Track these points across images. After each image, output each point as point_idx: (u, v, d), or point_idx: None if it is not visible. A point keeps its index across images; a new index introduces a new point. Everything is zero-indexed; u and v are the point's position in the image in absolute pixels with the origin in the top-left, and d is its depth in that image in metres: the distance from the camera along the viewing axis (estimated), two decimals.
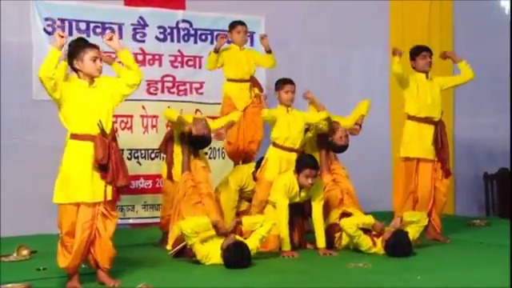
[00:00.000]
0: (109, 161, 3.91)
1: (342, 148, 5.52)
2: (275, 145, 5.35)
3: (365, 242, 4.92)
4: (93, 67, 3.96)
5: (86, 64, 3.95)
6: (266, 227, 4.75)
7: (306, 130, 5.69)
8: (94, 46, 4.03)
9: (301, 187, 5.02)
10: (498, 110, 6.16)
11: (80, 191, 3.88)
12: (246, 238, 4.79)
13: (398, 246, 4.81)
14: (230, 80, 5.99)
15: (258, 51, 6.29)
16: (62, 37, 3.83)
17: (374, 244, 4.94)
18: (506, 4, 6.40)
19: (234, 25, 6.02)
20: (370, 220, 4.99)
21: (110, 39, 4.05)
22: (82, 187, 3.88)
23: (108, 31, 4.20)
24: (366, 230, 4.99)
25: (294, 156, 5.30)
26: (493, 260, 4.77)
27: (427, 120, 5.54)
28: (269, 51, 5.96)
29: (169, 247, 4.90)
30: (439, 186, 5.59)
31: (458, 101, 7.62)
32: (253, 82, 6.02)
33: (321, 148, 5.60)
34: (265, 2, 6.91)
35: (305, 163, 4.99)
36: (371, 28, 7.43)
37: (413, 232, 4.97)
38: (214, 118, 6.02)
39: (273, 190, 5.12)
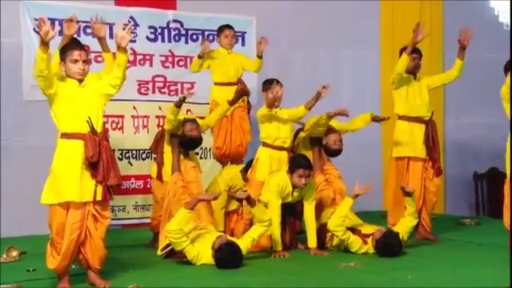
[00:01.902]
0: (99, 159, 3.86)
1: (336, 152, 5.52)
2: (265, 144, 5.32)
3: (355, 243, 4.92)
4: (72, 69, 3.89)
5: (67, 66, 3.91)
6: (260, 231, 4.72)
7: (300, 130, 5.69)
8: (79, 48, 3.94)
9: (294, 187, 5.00)
10: (488, 110, 6.20)
11: (68, 190, 3.83)
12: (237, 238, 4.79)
13: (389, 245, 4.81)
14: (217, 84, 5.97)
15: (244, 55, 6.26)
16: (43, 26, 3.63)
17: (365, 242, 4.93)
18: (495, 4, 6.43)
19: (221, 29, 6.00)
20: (349, 202, 4.93)
21: (123, 37, 3.89)
22: (70, 186, 3.83)
23: (126, 23, 4.03)
24: (354, 230, 4.98)
25: (284, 155, 5.29)
26: (483, 259, 4.77)
27: (417, 119, 5.56)
28: (260, 56, 5.91)
29: (159, 252, 4.86)
30: (429, 186, 5.60)
31: (448, 101, 7.66)
32: (240, 85, 5.99)
33: (314, 148, 5.59)
34: (256, 2, 6.90)
35: (298, 163, 4.97)
36: (362, 29, 7.44)
37: (403, 233, 4.97)
38: (204, 118, 6.01)
39: (265, 189, 5.09)
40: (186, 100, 6.51)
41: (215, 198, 4.92)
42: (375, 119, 5.61)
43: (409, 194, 5.06)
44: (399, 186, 5.28)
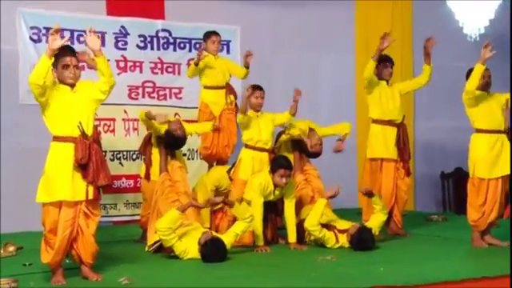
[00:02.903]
0: (89, 161, 3.84)
1: (316, 154, 5.56)
2: (247, 146, 5.34)
3: (330, 239, 4.97)
4: (64, 74, 3.87)
5: (58, 71, 3.88)
6: (243, 226, 4.74)
7: (282, 133, 5.72)
8: (70, 54, 3.90)
9: (275, 186, 5.02)
10: (454, 115, 6.29)
11: (61, 190, 3.82)
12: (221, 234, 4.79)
13: (363, 240, 4.84)
14: (206, 87, 5.98)
15: (231, 61, 6.29)
16: (55, 35, 3.68)
17: (337, 240, 4.98)
18: (460, 17, 6.53)
19: (208, 35, 6.00)
20: (323, 202, 4.98)
21: (92, 40, 3.86)
22: (63, 187, 3.82)
23: (90, 32, 3.98)
24: (329, 226, 5.02)
25: (265, 156, 5.32)
26: (450, 252, 4.83)
27: (390, 123, 5.59)
28: (247, 67, 5.93)
29: (147, 248, 4.86)
30: (401, 185, 5.64)
31: (418, 106, 7.73)
32: (228, 88, 6.02)
33: (295, 150, 5.61)
34: (240, 12, 6.92)
35: (280, 164, 4.99)
36: (338, 36, 7.49)
37: (374, 227, 5.00)
38: (191, 121, 6.02)
39: (248, 188, 5.10)
40: (174, 104, 6.62)
41: (205, 206, 4.94)
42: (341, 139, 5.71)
43: (371, 195, 5.10)
44: (370, 186, 5.31)
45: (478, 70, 4.75)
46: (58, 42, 3.70)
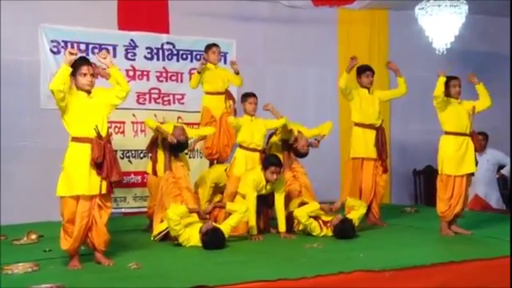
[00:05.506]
0: (104, 160, 3.85)
1: (304, 155, 5.58)
2: (241, 147, 5.36)
3: (316, 228, 4.99)
4: (82, 81, 3.89)
5: (77, 79, 3.90)
6: (237, 218, 4.75)
7: (273, 135, 5.73)
8: (87, 64, 3.94)
9: (267, 181, 5.03)
10: (425, 118, 6.34)
11: (79, 185, 3.82)
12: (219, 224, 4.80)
13: (345, 230, 4.86)
14: (207, 93, 5.98)
15: (229, 70, 6.31)
16: (72, 54, 3.76)
17: (322, 229, 4.99)
18: (429, 33, 6.60)
19: (209, 46, 6.01)
20: (316, 206, 5.04)
21: (104, 58, 3.99)
22: (81, 182, 3.82)
23: (103, 50, 4.10)
24: (315, 217, 5.04)
25: (257, 155, 5.33)
26: (421, 240, 4.86)
27: (370, 126, 5.62)
28: (237, 73, 5.96)
29: (153, 237, 4.85)
30: (379, 181, 5.67)
31: (394, 111, 7.77)
32: (227, 94, 6.03)
33: (284, 150, 5.62)
34: (236, 27, 6.94)
35: (271, 162, 5.01)
36: (323, 51, 7.50)
37: (355, 219, 5.03)
38: (193, 124, 6.03)
39: (243, 183, 5.10)
40: (177, 109, 6.62)
41: (207, 214, 4.96)
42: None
43: (343, 205, 5.19)
44: (355, 181, 5.33)
45: (440, 80, 4.87)
46: (72, 56, 3.78)
